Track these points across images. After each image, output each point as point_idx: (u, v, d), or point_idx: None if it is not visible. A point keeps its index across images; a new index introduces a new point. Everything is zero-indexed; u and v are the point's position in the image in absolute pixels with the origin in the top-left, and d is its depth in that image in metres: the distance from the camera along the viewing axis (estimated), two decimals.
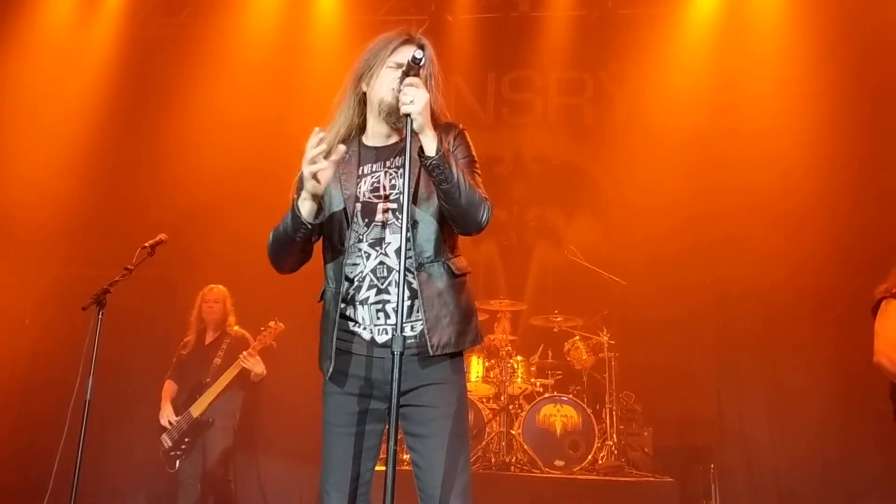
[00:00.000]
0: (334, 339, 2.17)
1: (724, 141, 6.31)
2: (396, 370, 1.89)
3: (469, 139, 2.29)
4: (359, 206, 2.20)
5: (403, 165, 2.02)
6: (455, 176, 2.06)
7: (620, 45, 6.75)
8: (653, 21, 6.72)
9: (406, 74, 2.04)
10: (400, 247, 2.08)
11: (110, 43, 6.86)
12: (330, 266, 2.24)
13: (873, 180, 5.91)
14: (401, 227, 1.97)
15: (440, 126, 2.26)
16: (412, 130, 2.02)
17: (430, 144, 2.05)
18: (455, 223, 2.16)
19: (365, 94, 2.27)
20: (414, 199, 2.16)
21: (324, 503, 2.15)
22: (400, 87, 2.04)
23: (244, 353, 4.87)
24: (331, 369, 2.18)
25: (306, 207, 2.11)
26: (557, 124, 6.99)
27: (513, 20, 7.05)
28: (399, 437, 1.94)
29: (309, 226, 2.11)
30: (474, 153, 2.28)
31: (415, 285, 2.14)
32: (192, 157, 6.55)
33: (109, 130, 6.68)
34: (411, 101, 2.01)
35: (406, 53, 2.18)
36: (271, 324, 4.99)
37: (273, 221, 2.25)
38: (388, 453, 1.86)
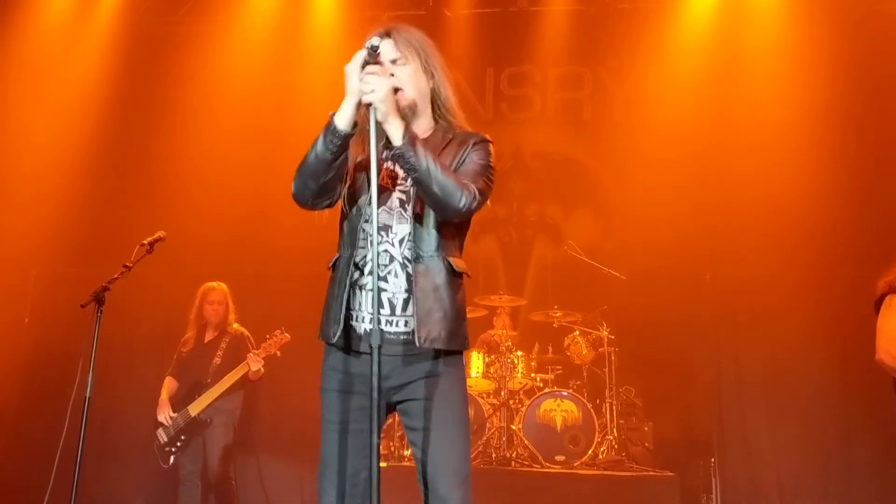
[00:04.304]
0: (345, 301, 2.15)
1: (723, 135, 6.29)
2: (376, 365, 1.89)
3: (491, 150, 2.26)
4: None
5: (368, 157, 2.00)
6: (423, 164, 2.03)
7: (619, 39, 6.74)
8: (651, 15, 6.71)
9: (366, 63, 2.03)
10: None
11: (107, 40, 6.84)
12: (346, 230, 2.22)
13: (872, 173, 5.90)
14: (374, 217, 1.98)
15: (464, 133, 2.26)
16: (377, 121, 2.01)
17: (395, 133, 2.04)
18: (435, 211, 2.14)
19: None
20: None
21: (321, 500, 2.15)
22: (361, 77, 2.02)
23: (252, 353, 4.84)
24: (338, 332, 2.14)
25: (345, 117, 2.05)
26: (556, 119, 6.99)
27: (511, 15, 7.04)
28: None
29: (343, 134, 2.05)
30: (492, 162, 2.24)
31: (412, 277, 2.13)
32: (191, 154, 6.55)
33: (107, 127, 6.66)
34: (372, 91, 2.00)
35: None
36: (277, 333, 4.92)
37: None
38: (370, 448, 1.85)
